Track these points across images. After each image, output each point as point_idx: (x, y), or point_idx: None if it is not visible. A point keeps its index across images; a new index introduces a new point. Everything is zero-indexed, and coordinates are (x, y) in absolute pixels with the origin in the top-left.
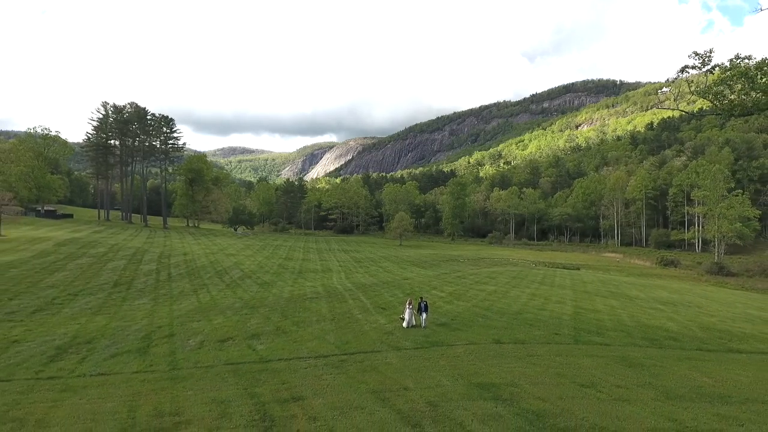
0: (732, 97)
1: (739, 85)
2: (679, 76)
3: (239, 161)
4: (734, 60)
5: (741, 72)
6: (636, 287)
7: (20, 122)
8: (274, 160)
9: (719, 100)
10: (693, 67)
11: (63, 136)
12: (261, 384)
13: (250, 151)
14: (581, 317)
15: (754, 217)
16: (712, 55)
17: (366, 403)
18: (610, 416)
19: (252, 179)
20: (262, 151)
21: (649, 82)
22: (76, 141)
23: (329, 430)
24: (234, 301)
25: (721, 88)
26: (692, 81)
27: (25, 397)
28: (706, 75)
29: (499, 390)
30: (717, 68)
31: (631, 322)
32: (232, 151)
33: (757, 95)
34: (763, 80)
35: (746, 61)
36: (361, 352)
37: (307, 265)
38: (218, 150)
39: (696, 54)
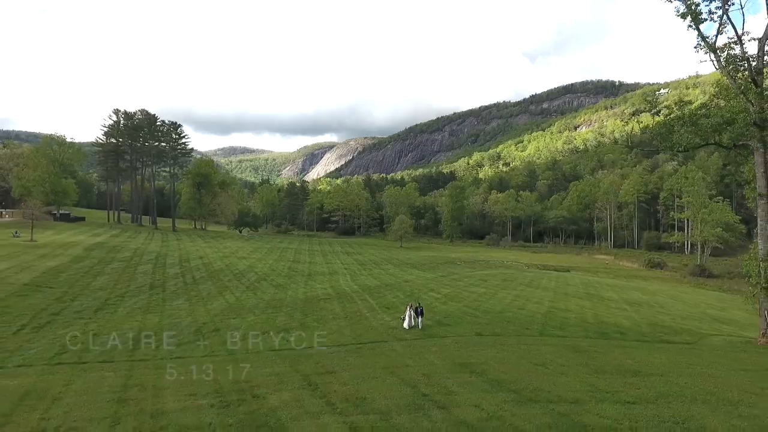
0: (672, 136)
1: (682, 127)
2: (632, 118)
3: (240, 161)
4: (679, 103)
5: (679, 117)
6: (614, 289)
7: (19, 121)
8: (274, 159)
9: (663, 138)
10: (643, 111)
11: (68, 138)
12: (301, 363)
13: (251, 151)
14: (552, 315)
15: (734, 222)
16: (657, 100)
17: (379, 375)
18: (548, 383)
19: (253, 179)
20: (263, 151)
21: (648, 83)
22: (77, 140)
23: (356, 390)
24: (257, 302)
25: (664, 129)
26: (641, 121)
27: (133, 372)
28: (653, 116)
29: (474, 367)
30: (662, 111)
31: (592, 320)
32: (233, 150)
33: (691, 137)
34: (700, 121)
35: (688, 105)
36: (372, 342)
37: (315, 267)
38: (219, 150)
39: (646, 100)
